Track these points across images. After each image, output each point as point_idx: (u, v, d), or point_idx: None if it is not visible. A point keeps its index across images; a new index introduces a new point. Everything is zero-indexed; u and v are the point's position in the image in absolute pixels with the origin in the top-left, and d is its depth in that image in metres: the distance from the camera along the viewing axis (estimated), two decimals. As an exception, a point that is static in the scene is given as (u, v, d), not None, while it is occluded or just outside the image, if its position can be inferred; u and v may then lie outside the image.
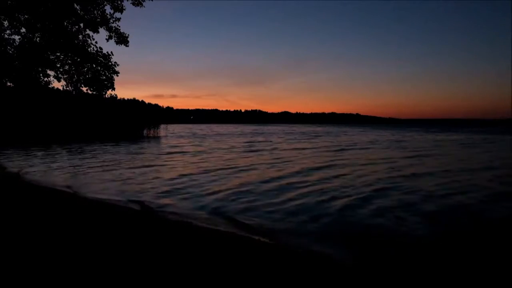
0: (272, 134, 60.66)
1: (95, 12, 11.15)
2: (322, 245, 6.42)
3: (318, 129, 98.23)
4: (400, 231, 7.32)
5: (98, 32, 11.39)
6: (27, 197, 9.59)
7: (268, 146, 32.95)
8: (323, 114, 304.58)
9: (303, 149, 29.11)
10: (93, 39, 11.39)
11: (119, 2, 11.19)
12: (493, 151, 26.12)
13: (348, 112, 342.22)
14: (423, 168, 16.57)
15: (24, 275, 4.21)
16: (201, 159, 21.08)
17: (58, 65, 11.31)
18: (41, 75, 11.16)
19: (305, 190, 11.38)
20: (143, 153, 24.64)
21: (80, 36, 11.24)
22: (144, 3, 11.50)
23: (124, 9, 11.31)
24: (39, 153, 23.37)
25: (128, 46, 11.85)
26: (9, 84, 11.95)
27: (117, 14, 11.34)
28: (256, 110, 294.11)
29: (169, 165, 18.20)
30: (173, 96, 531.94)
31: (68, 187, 12.03)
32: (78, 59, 11.33)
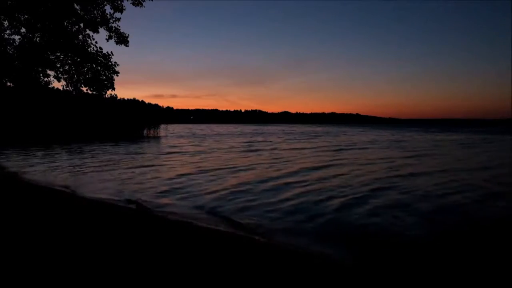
0: (271, 134, 60.70)
1: (95, 12, 11.20)
2: (320, 245, 6.47)
3: (318, 129, 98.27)
4: (398, 230, 7.37)
5: (98, 32, 11.44)
6: (26, 197, 9.64)
7: (267, 146, 33.00)
8: (323, 114, 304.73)
9: (303, 149, 29.16)
10: (93, 39, 11.44)
11: (119, 2, 11.24)
12: (492, 151, 26.18)
13: (348, 112, 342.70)
14: (421, 168, 16.62)
15: (21, 274, 4.26)
16: (200, 159, 21.13)
17: (58, 65, 11.36)
18: (41, 75, 11.21)
19: (303, 189, 11.43)
20: (142, 153, 24.69)
21: (80, 36, 11.28)
22: (144, 3, 11.55)
23: (124, 9, 11.36)
24: (39, 153, 23.42)
25: (128, 46, 11.90)
26: (9, 84, 12.00)
27: (117, 14, 11.40)
28: (256, 110, 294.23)
29: (168, 165, 18.25)
30: (173, 96, 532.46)
31: (67, 187, 12.08)
32: (78, 59, 11.38)
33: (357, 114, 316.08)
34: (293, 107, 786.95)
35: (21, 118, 39.63)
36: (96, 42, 11.43)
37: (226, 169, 16.21)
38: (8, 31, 10.39)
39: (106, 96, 12.27)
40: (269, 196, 10.50)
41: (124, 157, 21.56)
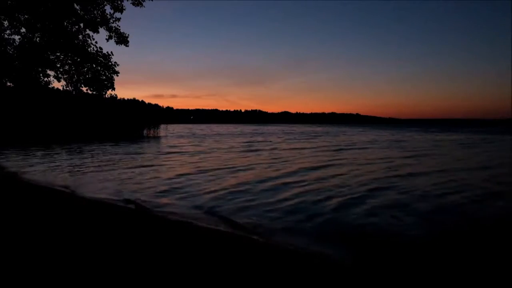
0: (271, 134, 60.72)
1: (95, 12, 11.23)
2: (318, 245, 6.49)
3: (318, 129, 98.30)
4: (396, 230, 7.39)
5: (98, 32, 11.46)
6: (25, 197, 9.66)
7: (267, 146, 33.02)
8: (323, 114, 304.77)
9: (302, 149, 29.19)
10: (93, 39, 11.46)
11: (119, 2, 11.26)
12: (492, 151, 26.20)
13: (348, 112, 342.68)
14: (421, 168, 16.64)
15: (21, 274, 4.28)
16: (200, 159, 21.15)
17: (58, 65, 11.38)
18: (41, 75, 11.23)
19: (302, 189, 11.46)
20: (142, 153, 24.71)
21: (80, 36, 11.31)
22: (144, 3, 11.58)
23: (124, 9, 11.39)
24: (39, 153, 23.44)
25: (128, 46, 11.92)
26: (9, 84, 12.02)
27: (117, 14, 11.42)
28: (256, 110, 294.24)
29: (168, 165, 18.27)
30: (173, 96, 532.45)
31: (67, 186, 12.10)
32: (78, 59, 11.40)
33: (357, 114, 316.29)
34: (293, 107, 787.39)
35: (21, 118, 39.65)
36: (96, 42, 11.46)
37: (226, 169, 16.24)
38: (8, 31, 10.42)
39: (106, 96, 12.30)
40: (268, 196, 10.52)
41: (123, 157, 21.58)
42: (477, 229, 7.51)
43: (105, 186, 12.18)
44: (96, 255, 4.96)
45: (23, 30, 10.44)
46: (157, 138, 47.29)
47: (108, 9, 11.31)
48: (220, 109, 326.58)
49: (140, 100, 69.42)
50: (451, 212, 8.85)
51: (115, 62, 11.68)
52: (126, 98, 63.36)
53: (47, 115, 42.47)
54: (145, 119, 52.86)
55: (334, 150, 27.17)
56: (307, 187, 11.83)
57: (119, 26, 11.55)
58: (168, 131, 62.19)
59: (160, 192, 11.18)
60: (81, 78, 11.61)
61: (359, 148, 29.23)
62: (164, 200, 10.04)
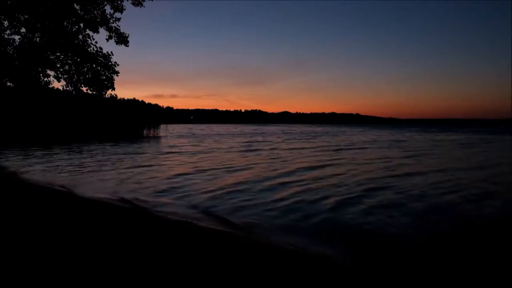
0: (271, 134, 60.76)
1: (95, 12, 11.27)
2: (317, 244, 6.52)
3: (318, 129, 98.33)
4: (394, 230, 7.43)
5: (98, 32, 11.51)
6: (24, 196, 9.70)
7: (266, 146, 33.06)
8: (323, 114, 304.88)
9: (302, 148, 29.22)
10: (93, 39, 11.53)
11: (119, 2, 11.31)
12: (491, 151, 26.24)
13: (348, 112, 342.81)
14: (420, 167, 16.68)
15: (20, 273, 4.32)
16: (199, 159, 21.19)
17: (58, 65, 11.43)
18: (41, 75, 11.28)
19: (299, 188, 11.50)
20: (142, 153, 24.75)
21: (80, 36, 11.36)
22: (144, 3, 11.63)
23: (124, 9, 11.44)
24: (38, 153, 23.47)
25: (128, 46, 11.97)
26: (9, 84, 12.06)
27: (117, 14, 11.48)
28: (256, 110, 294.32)
29: (167, 164, 18.31)
30: (173, 96, 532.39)
31: (66, 186, 12.13)
32: (78, 59, 11.45)
33: (357, 114, 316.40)
34: (293, 107, 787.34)
35: (21, 118, 39.68)
36: (96, 42, 11.52)
37: (225, 169, 16.28)
38: (8, 31, 10.46)
39: (106, 96, 12.34)
40: (266, 195, 10.56)
41: (123, 157, 21.62)
42: (472, 229, 7.55)
43: (104, 186, 12.21)
44: (94, 255, 4.99)
45: (23, 30, 10.49)
46: (157, 138, 47.33)
47: (108, 9, 11.37)
48: (220, 109, 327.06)
49: (140, 100, 69.61)
50: (448, 211, 8.89)
51: (115, 62, 11.73)
52: (126, 98, 63.53)
53: (47, 115, 42.50)
54: (145, 119, 52.90)
55: (334, 150, 27.21)
56: (305, 187, 11.86)
57: (119, 26, 11.61)
58: (168, 131, 62.23)
59: (159, 191, 11.21)
60: (81, 78, 11.66)
61: (358, 148, 29.26)
62: (163, 200, 10.08)
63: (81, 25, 11.25)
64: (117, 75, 11.93)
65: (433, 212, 8.78)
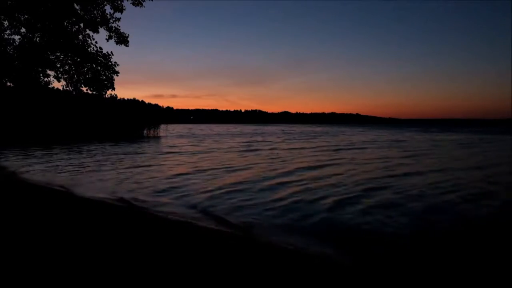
0: (271, 134, 60.78)
1: (95, 12, 11.28)
2: (317, 244, 6.54)
3: (318, 129, 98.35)
4: (392, 229, 7.45)
5: (98, 32, 11.52)
6: (24, 196, 9.71)
7: (266, 146, 33.08)
8: (323, 114, 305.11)
9: (301, 148, 29.24)
10: (93, 39, 11.53)
11: (119, 2, 11.32)
12: (491, 151, 26.26)
13: (348, 112, 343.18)
14: (419, 167, 16.69)
15: (19, 273, 4.33)
16: (199, 159, 21.21)
17: (58, 65, 11.44)
18: (41, 75, 11.28)
19: (298, 188, 11.51)
20: (142, 153, 24.76)
21: (80, 36, 11.36)
22: (144, 3, 11.64)
23: (124, 9, 11.45)
24: (38, 153, 23.49)
25: (128, 46, 11.98)
26: (9, 84, 12.07)
27: (117, 14, 11.49)
28: (256, 110, 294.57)
29: (167, 164, 18.33)
30: (173, 96, 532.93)
31: (65, 186, 12.14)
32: (78, 59, 11.46)
33: (357, 114, 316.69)
34: (293, 107, 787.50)
35: (21, 118, 39.69)
36: (96, 42, 11.52)
37: (224, 169, 16.29)
38: (8, 31, 10.47)
39: (106, 96, 12.35)
40: (265, 195, 10.57)
41: (123, 157, 21.63)
42: (470, 229, 7.58)
43: (103, 186, 12.23)
44: (93, 255, 5.01)
45: (23, 30, 10.50)
46: (157, 138, 47.35)
47: (108, 9, 11.38)
48: (220, 109, 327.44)
49: (140, 100, 69.57)
50: (447, 211, 8.91)
51: (115, 62, 11.74)
52: (126, 98, 63.52)
53: (47, 115, 42.51)
54: (145, 119, 52.92)
55: (333, 150, 27.22)
56: (304, 187, 11.88)
57: (119, 26, 11.62)
58: (168, 131, 62.25)
59: (158, 191, 11.22)
60: (81, 78, 11.67)
61: (358, 148, 29.28)
62: (162, 200, 10.09)
63: (81, 25, 11.26)
64: (117, 75, 11.95)
65: (432, 212, 8.80)
